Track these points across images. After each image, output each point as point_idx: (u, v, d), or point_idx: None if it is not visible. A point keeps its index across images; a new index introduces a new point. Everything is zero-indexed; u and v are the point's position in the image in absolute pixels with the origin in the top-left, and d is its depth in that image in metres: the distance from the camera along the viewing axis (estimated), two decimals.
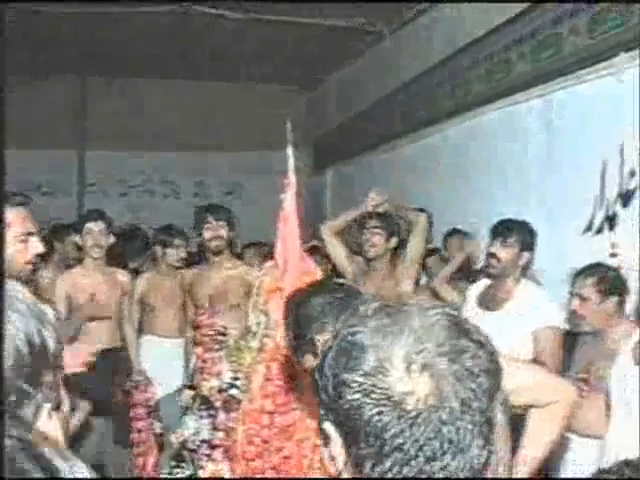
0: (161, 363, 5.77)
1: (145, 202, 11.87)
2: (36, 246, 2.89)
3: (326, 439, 1.18)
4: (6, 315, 1.15)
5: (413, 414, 1.07)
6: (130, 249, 7.00)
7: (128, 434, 5.37)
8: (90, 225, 5.39)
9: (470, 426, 1.09)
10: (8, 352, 1.13)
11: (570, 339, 4.34)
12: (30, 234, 2.88)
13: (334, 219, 5.67)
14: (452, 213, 6.98)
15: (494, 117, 6.63)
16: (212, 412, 3.46)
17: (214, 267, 5.42)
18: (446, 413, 1.08)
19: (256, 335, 3.46)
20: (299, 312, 2.55)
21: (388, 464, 1.08)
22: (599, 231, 5.13)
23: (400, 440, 1.07)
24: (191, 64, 10.98)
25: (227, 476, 3.30)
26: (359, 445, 1.10)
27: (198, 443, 3.44)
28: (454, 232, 6.51)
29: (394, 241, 5.27)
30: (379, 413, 1.08)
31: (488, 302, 4.55)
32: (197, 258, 6.62)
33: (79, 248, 5.62)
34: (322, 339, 2.45)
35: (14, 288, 1.24)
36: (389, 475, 1.08)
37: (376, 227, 5.27)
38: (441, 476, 1.08)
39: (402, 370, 1.09)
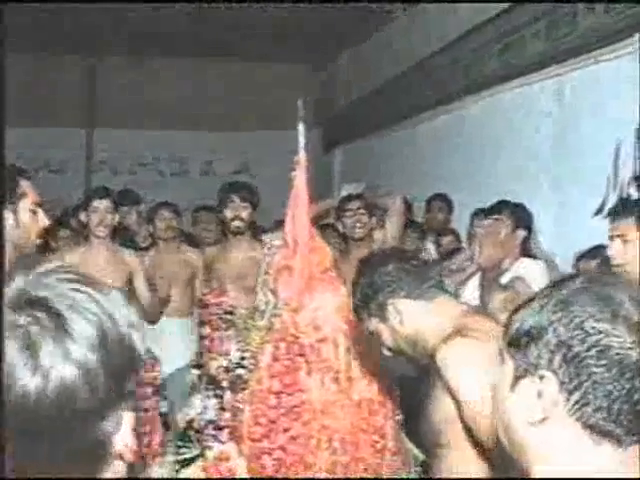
0: (165, 341, 5.75)
1: (154, 180, 11.86)
2: (42, 219, 2.91)
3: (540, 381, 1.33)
4: (85, 307, 1.09)
5: (635, 365, 1.26)
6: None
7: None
8: (96, 203, 5.35)
9: None
10: (96, 352, 1.07)
11: None
12: (38, 205, 2.90)
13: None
14: (463, 194, 6.93)
15: (507, 97, 6.57)
16: (219, 392, 3.44)
17: (234, 248, 5.39)
18: None
19: (264, 314, 3.44)
20: (374, 275, 2.63)
21: (609, 411, 1.27)
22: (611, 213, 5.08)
23: (622, 392, 1.26)
24: (202, 43, 10.95)
25: (234, 457, 3.28)
26: (582, 391, 1.28)
27: (204, 423, 3.42)
28: (480, 212, 6.37)
29: (373, 221, 5.44)
30: (605, 365, 1.27)
31: (487, 283, 4.58)
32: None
33: (85, 226, 5.57)
34: (393, 303, 2.57)
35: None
36: (607, 420, 1.28)
37: (359, 208, 5.47)
38: None
39: (626, 326, 1.28)
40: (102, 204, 5.34)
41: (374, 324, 2.64)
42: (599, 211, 5.16)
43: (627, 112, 4.86)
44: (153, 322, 5.81)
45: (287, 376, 3.28)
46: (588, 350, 1.28)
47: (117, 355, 1.10)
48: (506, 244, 4.63)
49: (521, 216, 4.74)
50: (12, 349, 1.04)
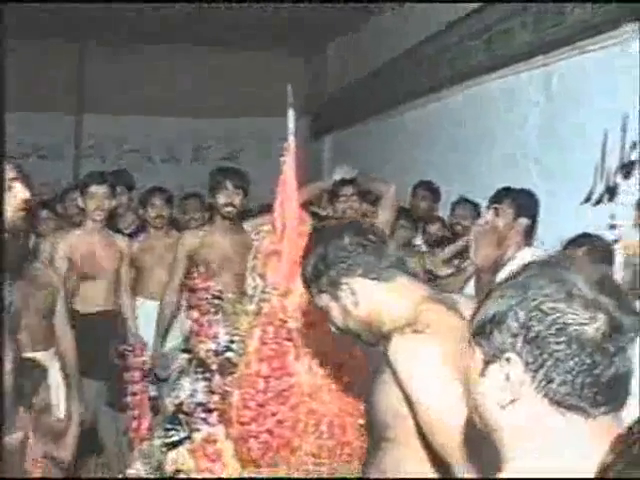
0: (151, 325, 5.78)
1: (143, 166, 11.85)
2: (21, 191, 2.87)
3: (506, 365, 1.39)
4: None
5: (593, 343, 1.33)
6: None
7: (121, 397, 5.38)
8: (93, 188, 5.38)
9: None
10: None
11: None
12: (12, 180, 2.85)
13: (303, 189, 5.73)
14: (451, 182, 6.96)
15: (495, 87, 6.59)
16: (208, 375, 3.46)
17: (221, 232, 5.40)
18: (616, 341, 1.34)
19: (253, 299, 3.46)
20: (328, 247, 2.42)
21: (572, 386, 1.34)
22: (598, 202, 5.12)
23: (583, 367, 1.33)
24: (192, 30, 10.94)
25: (222, 439, 3.31)
26: (546, 370, 1.35)
27: (193, 406, 3.44)
28: (462, 201, 6.39)
29: (365, 207, 5.44)
30: (566, 342, 1.33)
31: (479, 286, 4.57)
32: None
33: (81, 210, 5.60)
34: (347, 282, 2.39)
35: None
36: (572, 394, 1.34)
37: (352, 194, 5.53)
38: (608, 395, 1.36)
39: (581, 303, 1.35)
40: (100, 190, 5.37)
41: (324, 301, 2.46)
42: (587, 200, 5.19)
43: (614, 102, 4.89)
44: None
45: (275, 360, 3.30)
46: (547, 329, 1.34)
47: None
48: (505, 236, 4.57)
49: (523, 204, 4.63)
50: None
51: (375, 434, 2.40)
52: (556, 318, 1.34)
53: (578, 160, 5.30)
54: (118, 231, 6.12)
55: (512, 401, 1.38)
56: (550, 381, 1.35)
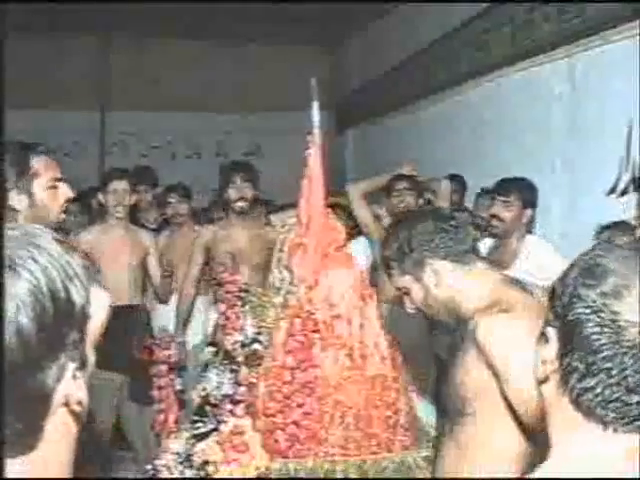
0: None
1: (166, 162, 11.90)
2: (65, 192, 2.91)
3: (545, 342, 1.33)
4: (22, 264, 1.09)
5: (630, 344, 1.20)
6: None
7: (145, 391, 5.42)
8: (113, 184, 5.42)
9: None
10: (27, 308, 1.07)
11: None
12: (58, 180, 2.89)
13: (362, 181, 5.79)
14: (474, 176, 6.94)
15: (517, 79, 6.58)
16: (234, 367, 3.48)
17: (237, 226, 5.43)
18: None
19: (279, 291, 3.47)
20: (413, 231, 2.59)
21: (592, 382, 1.23)
22: (624, 193, 5.10)
23: (609, 364, 1.21)
24: (214, 25, 10.97)
25: (249, 431, 3.32)
26: (573, 357, 1.25)
27: (220, 398, 3.46)
28: (485, 194, 6.42)
29: (421, 203, 5.46)
30: (600, 333, 1.22)
31: (496, 263, 4.58)
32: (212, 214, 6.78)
33: (102, 206, 5.65)
34: (431, 263, 2.54)
35: (39, 233, 1.16)
36: (590, 394, 1.23)
37: (408, 189, 5.52)
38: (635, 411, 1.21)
39: (635, 300, 1.21)
40: (120, 185, 5.41)
41: (406, 281, 2.61)
42: (612, 191, 5.18)
43: (637, 92, 4.87)
44: (165, 301, 5.88)
45: (301, 352, 3.31)
46: (578, 318, 1.25)
47: (51, 310, 1.09)
48: (512, 228, 4.65)
49: (529, 194, 4.73)
50: None
51: (452, 411, 2.52)
52: (600, 305, 1.23)
53: (602, 151, 5.28)
54: (142, 226, 6.16)
55: (545, 379, 1.32)
56: (569, 373, 1.26)
